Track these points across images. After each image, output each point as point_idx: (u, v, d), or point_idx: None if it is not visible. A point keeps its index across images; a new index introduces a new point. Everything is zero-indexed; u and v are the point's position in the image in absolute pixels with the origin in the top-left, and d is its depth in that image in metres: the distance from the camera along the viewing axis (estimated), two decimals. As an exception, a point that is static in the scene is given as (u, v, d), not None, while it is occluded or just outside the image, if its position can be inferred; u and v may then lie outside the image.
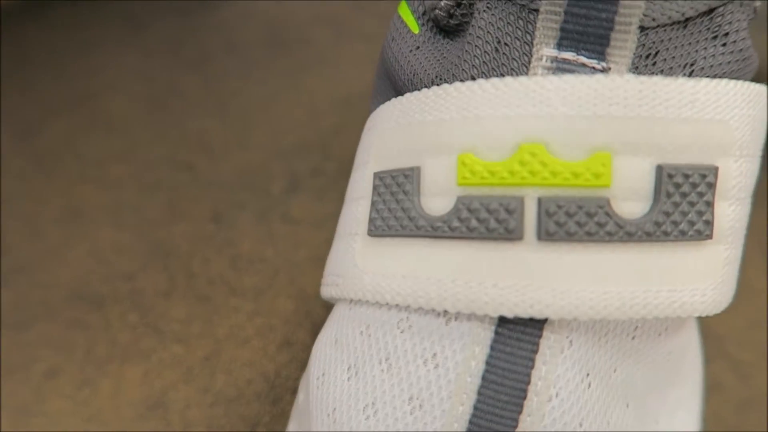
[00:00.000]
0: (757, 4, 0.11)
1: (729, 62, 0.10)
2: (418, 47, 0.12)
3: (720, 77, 0.10)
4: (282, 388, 0.17)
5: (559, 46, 0.10)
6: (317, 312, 0.18)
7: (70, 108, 0.23)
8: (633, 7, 0.10)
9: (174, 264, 0.19)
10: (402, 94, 0.12)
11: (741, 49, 0.11)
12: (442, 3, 0.11)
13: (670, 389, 0.12)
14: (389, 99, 0.13)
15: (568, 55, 0.10)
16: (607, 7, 0.10)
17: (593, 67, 0.10)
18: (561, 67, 0.10)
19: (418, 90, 0.12)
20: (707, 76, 0.10)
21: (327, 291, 0.12)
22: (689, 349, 0.13)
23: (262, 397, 0.17)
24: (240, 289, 0.18)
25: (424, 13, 0.12)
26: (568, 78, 0.10)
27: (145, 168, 0.21)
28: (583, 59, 0.10)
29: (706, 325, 0.18)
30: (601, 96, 0.10)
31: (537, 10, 0.10)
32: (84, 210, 0.20)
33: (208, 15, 0.26)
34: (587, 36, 0.10)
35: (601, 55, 0.10)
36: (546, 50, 0.10)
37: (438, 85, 0.11)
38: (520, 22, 0.10)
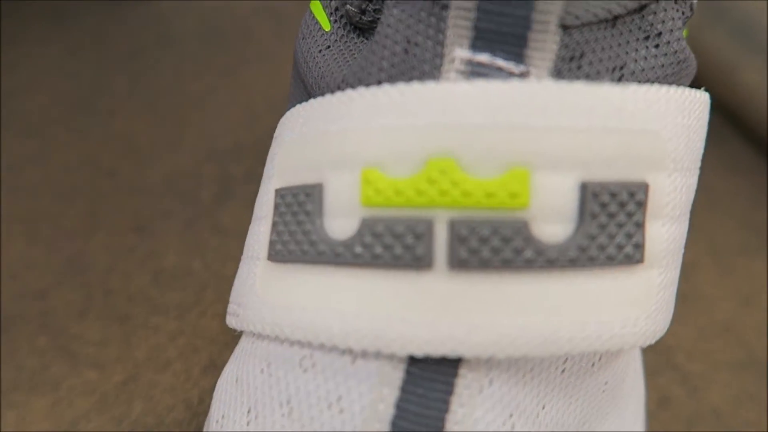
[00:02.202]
0: (694, 1, 0.10)
1: (662, 65, 0.09)
2: (328, 47, 0.11)
3: (652, 82, 0.09)
4: (206, 416, 0.15)
5: (473, 47, 0.09)
6: (246, 330, 0.17)
7: (-17, 108, 0.21)
8: (551, 3, 0.08)
9: (91, 279, 0.17)
10: (311, 95, 0.11)
11: (675, 51, 0.09)
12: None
13: (609, 419, 0.11)
14: (300, 102, 0.11)
15: (483, 58, 0.09)
16: (523, 3, 0.08)
17: (510, 71, 0.09)
18: (475, 71, 0.09)
19: (324, 95, 0.10)
20: (638, 81, 0.09)
21: (229, 320, 0.11)
22: (628, 371, 0.12)
23: (183, 425, 0.15)
24: (162, 306, 0.17)
25: (336, 10, 0.11)
26: (481, 84, 0.09)
27: (63, 173, 0.20)
28: (499, 62, 0.09)
29: (656, 336, 0.17)
30: (518, 104, 0.08)
31: (448, 6, 0.09)
32: (-6, 220, 0.18)
33: (141, 7, 0.24)
34: (503, 36, 0.09)
35: (519, 57, 0.09)
36: (459, 52, 0.09)
37: (344, 89, 0.10)
38: (432, 19, 0.09)
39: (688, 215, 0.10)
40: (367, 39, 0.10)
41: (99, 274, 0.18)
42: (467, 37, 0.09)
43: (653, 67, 0.09)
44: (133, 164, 0.20)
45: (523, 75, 0.09)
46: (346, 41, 0.11)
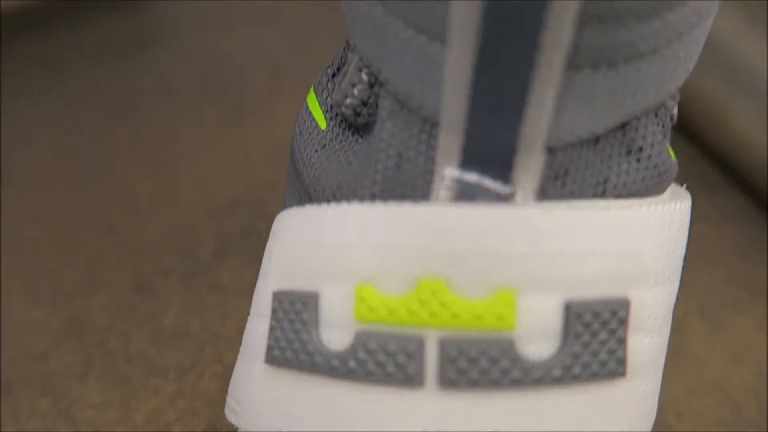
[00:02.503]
0: (675, 111, 0.11)
1: (644, 178, 0.10)
2: (324, 146, 0.11)
3: (634, 194, 0.10)
4: (204, 480, 0.16)
5: (462, 166, 0.09)
6: (244, 391, 0.17)
7: (-16, 162, 0.21)
8: (535, 133, 0.09)
9: (91, 340, 0.18)
10: (308, 192, 0.11)
11: (656, 164, 0.10)
12: (348, 101, 0.10)
13: None
14: (298, 193, 0.12)
15: (472, 177, 0.09)
16: (508, 133, 0.09)
17: (497, 192, 0.09)
18: (464, 189, 0.09)
19: (320, 199, 0.11)
20: (620, 194, 0.10)
21: (228, 414, 0.11)
22: None
23: (182, 489, 0.16)
24: (162, 367, 0.17)
25: (332, 107, 0.11)
26: (469, 209, 0.09)
27: (63, 230, 0.20)
28: (487, 182, 0.09)
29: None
30: (504, 230, 0.09)
31: (438, 127, 0.09)
32: (-5, 279, 0.19)
33: (139, 57, 0.25)
34: (490, 160, 0.09)
35: (505, 179, 0.09)
36: (448, 170, 0.09)
37: (339, 197, 0.10)
38: (423, 135, 0.09)
39: (670, 320, 0.10)
40: (362, 137, 0.11)
41: (99, 334, 0.18)
42: (456, 157, 0.09)
43: (635, 181, 0.10)
44: (132, 220, 0.20)
45: (509, 196, 0.09)
46: (341, 140, 0.11)
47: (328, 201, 0.10)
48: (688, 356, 0.18)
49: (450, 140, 0.09)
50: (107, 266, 0.19)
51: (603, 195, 0.10)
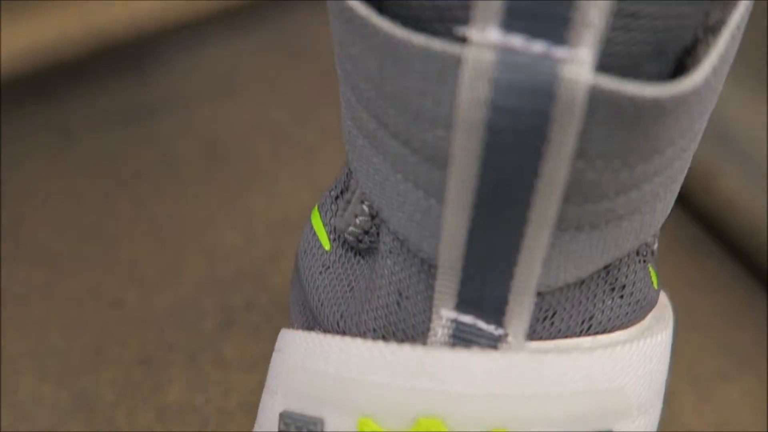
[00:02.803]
0: (655, 246, 0.12)
1: (627, 313, 0.11)
2: (327, 267, 0.12)
3: (618, 327, 0.11)
4: None
5: (458, 308, 0.10)
6: (247, 469, 0.17)
7: (-6, 235, 0.22)
8: (525, 286, 0.10)
9: (97, 417, 0.18)
10: (313, 314, 0.12)
11: (638, 300, 0.11)
12: (351, 229, 0.11)
13: None
14: (302, 306, 0.12)
15: (467, 319, 0.10)
16: (500, 286, 0.10)
17: (491, 334, 0.10)
18: (460, 329, 0.10)
19: (325, 324, 0.11)
20: (605, 329, 0.10)
21: None
22: None
23: None
24: (166, 444, 0.18)
25: (335, 229, 0.12)
26: (464, 355, 0.10)
27: (70, 305, 0.20)
28: (481, 324, 0.10)
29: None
30: (496, 375, 0.10)
31: (436, 269, 0.10)
32: (2, 355, 0.19)
33: (145, 125, 0.26)
34: (483, 306, 0.10)
35: (498, 322, 0.10)
36: (445, 312, 0.10)
37: (342, 328, 0.11)
38: (422, 275, 0.10)
39: None
40: (364, 258, 0.11)
41: (105, 410, 0.18)
42: (452, 301, 0.10)
43: (618, 316, 0.11)
44: (137, 294, 0.21)
45: (501, 337, 0.10)
46: (344, 262, 0.12)
47: (332, 328, 0.11)
48: (677, 426, 0.19)
49: (446, 285, 0.10)
50: (113, 341, 0.20)
51: (588, 331, 0.10)
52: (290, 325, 0.13)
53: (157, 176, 0.24)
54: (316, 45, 0.29)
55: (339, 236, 0.12)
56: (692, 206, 0.25)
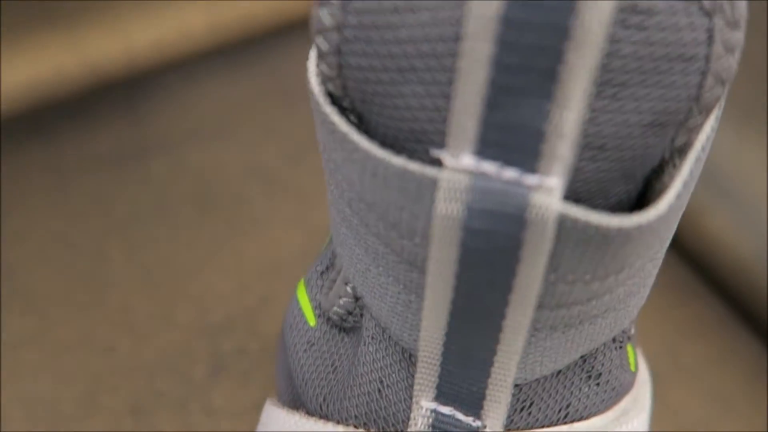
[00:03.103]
0: (633, 331, 0.12)
1: (603, 400, 0.11)
2: (312, 344, 0.12)
3: (594, 414, 0.11)
4: None
5: (437, 400, 0.10)
6: None
7: (-11, 281, 0.22)
8: (502, 382, 0.10)
9: (87, 468, 0.18)
10: (298, 392, 0.12)
11: (614, 387, 0.11)
12: (335, 309, 0.11)
13: None
14: (287, 379, 0.13)
15: (446, 410, 0.10)
16: (477, 383, 0.10)
17: (469, 425, 0.10)
18: (439, 420, 0.10)
19: (308, 404, 0.12)
20: (581, 416, 0.11)
21: None
22: None
23: None
24: (155, 496, 0.18)
25: (320, 305, 0.12)
26: None
27: (61, 352, 0.21)
28: (459, 416, 0.10)
29: None
30: None
31: (416, 359, 0.10)
32: (-5, 404, 0.19)
33: (138, 167, 0.26)
34: (462, 399, 0.10)
35: (476, 414, 0.10)
36: (425, 402, 0.10)
37: (324, 410, 0.11)
38: (403, 363, 0.11)
39: None
40: (349, 336, 0.12)
41: (95, 461, 0.18)
42: (432, 392, 0.10)
43: (595, 403, 0.11)
44: (128, 341, 0.21)
45: (479, 430, 0.10)
46: (328, 338, 0.12)
47: (315, 411, 0.11)
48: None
49: (426, 377, 0.10)
50: (104, 388, 0.20)
51: (566, 419, 0.11)
52: (277, 391, 0.13)
53: (149, 220, 0.24)
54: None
55: (324, 313, 0.12)
56: (680, 246, 0.25)
